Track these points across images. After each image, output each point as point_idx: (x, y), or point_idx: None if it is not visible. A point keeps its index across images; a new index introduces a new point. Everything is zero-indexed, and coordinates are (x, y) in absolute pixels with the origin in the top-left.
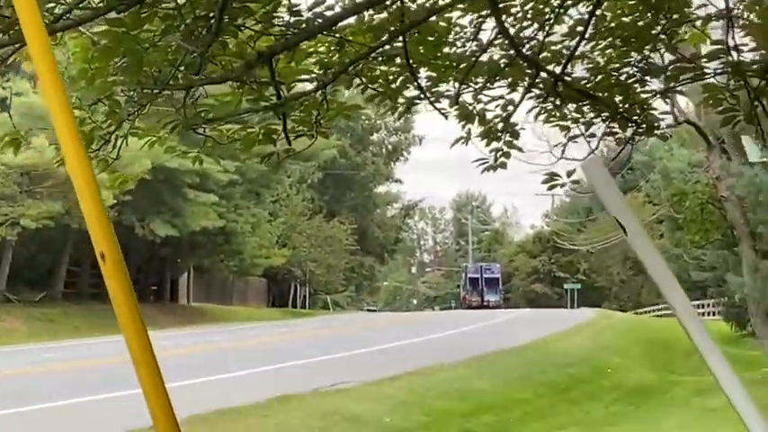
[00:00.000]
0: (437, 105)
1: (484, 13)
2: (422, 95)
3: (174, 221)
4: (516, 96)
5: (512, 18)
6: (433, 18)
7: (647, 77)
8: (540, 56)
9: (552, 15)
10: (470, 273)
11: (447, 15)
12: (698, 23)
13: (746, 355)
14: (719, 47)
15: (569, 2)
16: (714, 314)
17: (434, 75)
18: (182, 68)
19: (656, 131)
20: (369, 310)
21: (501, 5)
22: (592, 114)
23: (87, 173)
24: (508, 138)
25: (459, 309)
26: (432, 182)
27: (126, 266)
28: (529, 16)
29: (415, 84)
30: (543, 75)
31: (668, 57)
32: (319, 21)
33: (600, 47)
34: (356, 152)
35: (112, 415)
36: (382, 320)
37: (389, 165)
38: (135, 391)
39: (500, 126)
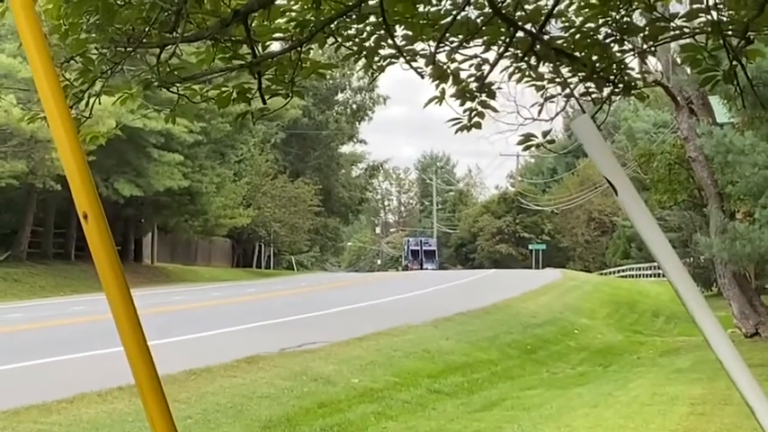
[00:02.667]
0: (413, 65)
1: None
2: (397, 54)
3: (138, 181)
4: (491, 56)
5: None
6: None
7: (625, 37)
8: (516, 15)
9: None
10: (412, 245)
11: None
12: None
13: None
14: (699, 6)
15: None
16: None
17: (410, 33)
18: (156, 26)
19: (632, 91)
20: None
21: None
22: (568, 74)
23: (71, 133)
24: (483, 97)
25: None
26: (396, 142)
27: (108, 226)
28: None
29: (392, 42)
30: (520, 34)
31: (645, 15)
32: None
33: (577, 5)
34: (320, 111)
35: (73, 376)
36: (347, 281)
37: (354, 124)
38: (99, 351)
39: (474, 86)
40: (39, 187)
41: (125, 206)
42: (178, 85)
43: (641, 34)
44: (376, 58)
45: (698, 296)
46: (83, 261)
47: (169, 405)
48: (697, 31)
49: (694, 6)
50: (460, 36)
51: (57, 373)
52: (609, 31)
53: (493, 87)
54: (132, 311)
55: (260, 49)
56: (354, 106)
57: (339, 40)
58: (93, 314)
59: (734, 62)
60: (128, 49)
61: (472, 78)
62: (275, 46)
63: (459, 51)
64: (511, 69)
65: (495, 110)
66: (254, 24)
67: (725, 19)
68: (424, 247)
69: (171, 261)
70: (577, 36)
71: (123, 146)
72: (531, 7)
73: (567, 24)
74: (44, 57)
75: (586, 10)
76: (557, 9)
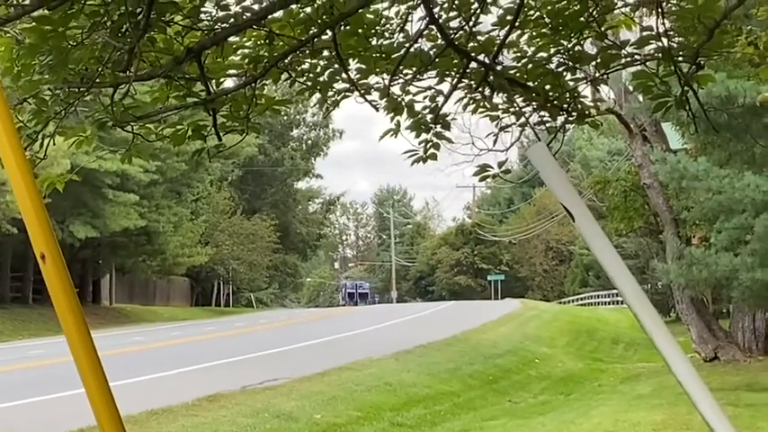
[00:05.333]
0: (367, 98)
1: (411, 3)
2: (351, 88)
3: (94, 222)
4: (445, 87)
5: (438, 8)
6: (361, 10)
7: (578, 65)
8: (468, 46)
9: (479, 5)
10: (348, 288)
11: (375, 7)
12: (626, 10)
13: None
14: (650, 33)
15: None
16: None
17: (364, 67)
18: (109, 66)
19: (586, 119)
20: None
21: None
22: (522, 104)
23: (26, 174)
24: (438, 129)
25: (380, 304)
26: (351, 177)
27: (66, 266)
28: (455, 5)
29: (345, 76)
30: (473, 65)
31: (596, 44)
32: (248, 15)
33: (529, 35)
34: (275, 148)
35: (32, 419)
36: (307, 316)
37: (309, 160)
38: (59, 394)
39: (429, 118)
40: None
41: (82, 248)
42: (133, 124)
43: (593, 62)
44: (330, 93)
45: (657, 320)
46: (40, 304)
47: None
48: (648, 57)
49: (645, 33)
50: (414, 68)
51: (16, 418)
52: (561, 59)
53: (448, 119)
54: (92, 351)
55: (214, 85)
56: (309, 142)
57: (293, 75)
58: (51, 357)
59: (685, 88)
60: (81, 89)
61: (427, 110)
62: (229, 82)
63: (413, 83)
64: (465, 100)
65: (450, 141)
66: (207, 61)
67: (675, 45)
68: (358, 290)
69: (129, 302)
70: (530, 66)
71: (78, 187)
72: (483, 38)
73: (519, 54)
74: None
75: (538, 40)
76: (509, 39)
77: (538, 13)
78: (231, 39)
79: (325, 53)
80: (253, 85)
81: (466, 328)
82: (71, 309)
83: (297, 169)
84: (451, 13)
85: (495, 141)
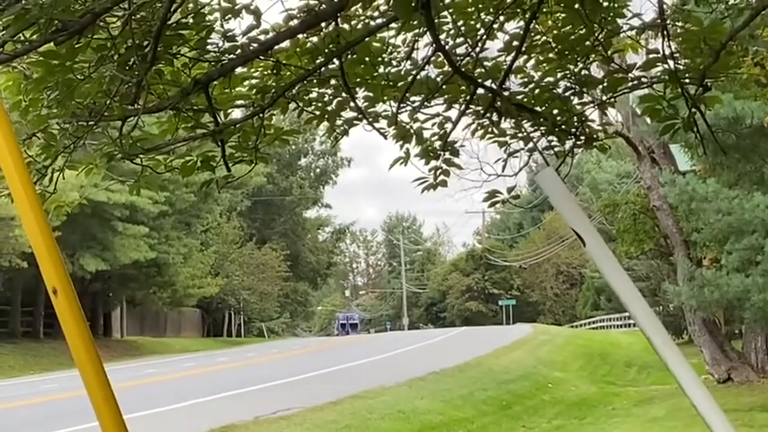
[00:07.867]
0: (375, 126)
1: (418, 31)
2: (360, 116)
3: (103, 255)
4: (453, 114)
5: (444, 35)
6: (368, 38)
7: (585, 89)
8: (475, 72)
9: (486, 31)
10: (341, 320)
11: (381, 35)
12: (632, 33)
13: None
14: (656, 56)
15: (502, 18)
16: None
17: (371, 95)
18: (116, 99)
19: (594, 143)
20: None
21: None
22: (530, 129)
23: (37, 209)
24: (448, 155)
25: (391, 331)
26: (358, 204)
27: (78, 300)
28: (462, 32)
29: (353, 105)
30: (481, 91)
31: (603, 68)
32: (254, 45)
33: (535, 60)
34: (284, 177)
35: None
36: (318, 345)
37: (318, 188)
38: (72, 428)
39: (438, 144)
40: (4, 266)
41: (92, 281)
42: (142, 156)
43: (600, 86)
44: (338, 121)
45: (670, 343)
46: (51, 338)
47: None
48: (655, 80)
49: (651, 56)
50: (422, 95)
51: None
52: (568, 84)
53: (456, 145)
54: (106, 384)
55: (222, 116)
56: (318, 170)
57: (300, 104)
58: (63, 391)
59: (693, 110)
60: (89, 122)
61: (435, 137)
62: (237, 113)
63: (421, 111)
64: (473, 126)
65: (459, 167)
66: (214, 93)
67: (681, 67)
68: (349, 321)
69: (141, 334)
70: (537, 90)
71: (88, 220)
72: (490, 64)
73: (526, 79)
74: (8, 134)
75: (545, 64)
76: (515, 65)
77: (544, 38)
78: (238, 69)
79: (333, 82)
80: (261, 115)
81: (478, 353)
82: (84, 342)
83: (305, 198)
84: (458, 40)
85: (503, 167)
